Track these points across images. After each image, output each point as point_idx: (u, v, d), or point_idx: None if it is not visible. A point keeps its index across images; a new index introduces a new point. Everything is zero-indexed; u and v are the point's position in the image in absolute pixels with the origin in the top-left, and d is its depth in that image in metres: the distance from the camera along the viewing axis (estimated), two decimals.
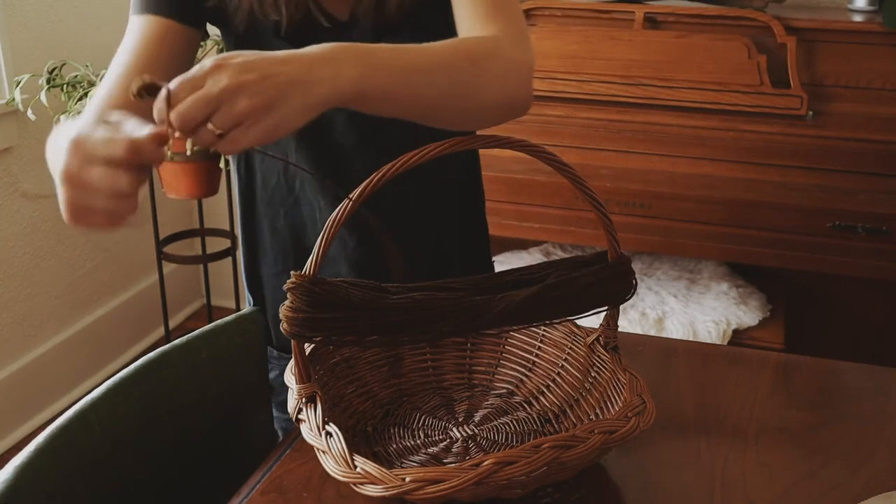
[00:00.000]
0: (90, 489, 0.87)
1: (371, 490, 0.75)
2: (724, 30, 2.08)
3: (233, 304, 2.74)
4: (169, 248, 2.59)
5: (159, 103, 0.70)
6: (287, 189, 1.15)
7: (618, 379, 0.92)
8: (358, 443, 0.93)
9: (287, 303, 0.79)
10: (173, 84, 0.71)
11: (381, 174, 0.79)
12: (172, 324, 2.84)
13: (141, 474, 0.95)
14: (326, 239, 0.79)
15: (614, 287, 0.91)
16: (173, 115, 0.70)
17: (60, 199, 0.73)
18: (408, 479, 0.74)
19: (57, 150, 0.74)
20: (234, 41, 1.10)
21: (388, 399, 1.02)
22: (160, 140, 0.71)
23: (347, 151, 1.10)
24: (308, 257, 1.19)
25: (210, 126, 0.71)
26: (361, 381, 1.01)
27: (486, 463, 0.75)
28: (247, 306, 1.23)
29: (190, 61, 1.07)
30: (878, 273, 1.88)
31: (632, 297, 0.93)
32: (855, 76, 2.01)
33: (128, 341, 2.79)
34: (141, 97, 0.72)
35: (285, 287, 0.79)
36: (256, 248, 1.23)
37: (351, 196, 0.79)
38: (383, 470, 0.75)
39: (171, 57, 1.03)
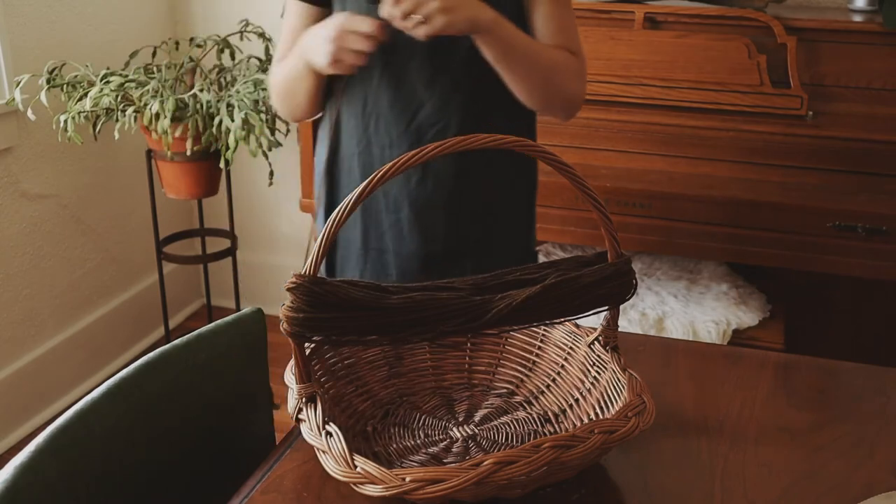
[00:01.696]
0: (90, 489, 0.87)
1: (371, 490, 0.75)
2: (724, 30, 2.07)
3: (233, 304, 2.74)
4: (169, 248, 2.59)
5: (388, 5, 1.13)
6: (362, 129, 1.33)
7: (618, 379, 0.92)
8: (358, 443, 0.93)
9: (287, 303, 0.80)
10: None
11: (381, 173, 0.79)
12: (172, 324, 2.84)
13: (141, 474, 0.95)
14: (327, 239, 0.79)
15: (615, 287, 0.91)
16: (399, 9, 1.12)
17: (324, 51, 1.18)
18: (408, 479, 0.74)
19: (317, 34, 1.21)
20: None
21: (388, 399, 1.02)
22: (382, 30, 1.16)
23: (420, 87, 1.29)
24: (374, 200, 1.32)
25: (415, 16, 1.12)
26: (361, 381, 1.01)
27: (486, 463, 0.75)
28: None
29: None
30: (878, 273, 1.88)
31: (632, 297, 0.93)
32: (855, 76, 2.01)
33: (128, 341, 2.79)
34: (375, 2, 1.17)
35: (285, 287, 0.80)
36: (335, 190, 1.38)
37: (352, 196, 0.79)
38: (383, 470, 0.75)
39: None
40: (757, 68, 1.99)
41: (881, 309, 2.22)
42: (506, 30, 1.22)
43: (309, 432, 0.82)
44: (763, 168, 1.96)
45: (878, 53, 1.99)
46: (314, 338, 0.82)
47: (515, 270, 0.91)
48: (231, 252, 2.57)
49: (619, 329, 0.98)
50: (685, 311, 1.97)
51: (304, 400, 0.85)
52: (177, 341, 1.01)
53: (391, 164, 0.80)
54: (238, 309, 2.42)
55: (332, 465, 0.78)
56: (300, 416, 0.85)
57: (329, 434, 0.80)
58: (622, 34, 2.10)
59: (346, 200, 0.79)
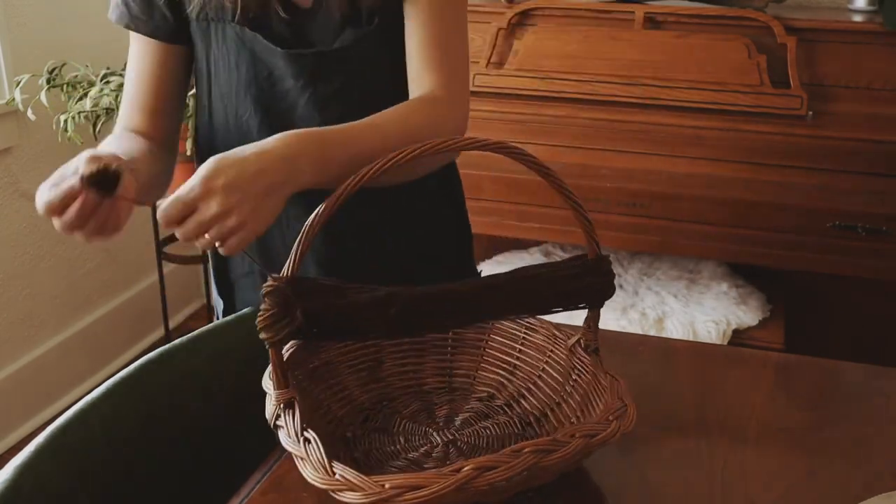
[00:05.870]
0: (90, 489, 0.87)
1: (350, 497, 0.73)
2: (724, 30, 2.08)
3: None
4: (169, 248, 2.59)
5: (162, 212, 0.85)
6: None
7: (598, 382, 0.91)
8: (337, 449, 0.91)
9: (263, 306, 0.79)
10: (167, 203, 0.85)
11: (358, 177, 0.78)
12: (172, 324, 2.84)
13: (141, 474, 0.95)
14: (302, 243, 0.78)
15: (590, 285, 0.90)
16: (179, 234, 0.86)
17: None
18: (387, 486, 0.72)
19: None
20: (196, 32, 1.13)
21: (367, 403, 1.00)
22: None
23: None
24: (271, 254, 1.18)
25: (207, 238, 0.86)
26: (341, 386, 1.00)
27: (466, 468, 0.73)
28: (217, 313, 1.25)
29: (187, 74, 1.16)
30: (878, 273, 1.88)
31: (608, 298, 0.92)
32: (855, 76, 2.01)
33: (128, 341, 2.79)
34: (90, 186, 0.88)
35: (262, 291, 0.79)
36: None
37: (328, 200, 0.78)
38: (363, 476, 0.73)
39: (173, 77, 1.14)
40: (757, 68, 1.99)
41: (881, 309, 2.22)
42: (332, 163, 0.93)
43: (287, 439, 0.81)
44: (763, 168, 1.96)
45: (878, 53, 1.99)
46: (293, 339, 0.82)
47: (495, 276, 0.90)
48: None
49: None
50: (685, 311, 1.97)
51: (281, 406, 0.83)
52: (177, 341, 1.01)
53: (368, 168, 0.78)
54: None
55: (311, 473, 0.76)
56: (278, 423, 0.83)
57: (307, 441, 0.78)
58: (622, 34, 2.10)
59: (320, 207, 0.78)
